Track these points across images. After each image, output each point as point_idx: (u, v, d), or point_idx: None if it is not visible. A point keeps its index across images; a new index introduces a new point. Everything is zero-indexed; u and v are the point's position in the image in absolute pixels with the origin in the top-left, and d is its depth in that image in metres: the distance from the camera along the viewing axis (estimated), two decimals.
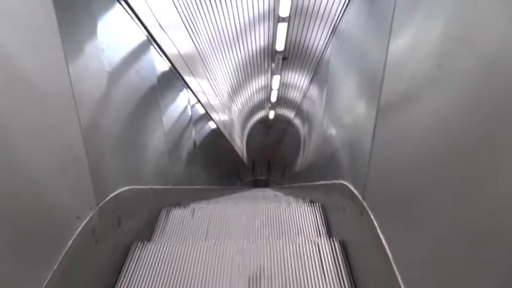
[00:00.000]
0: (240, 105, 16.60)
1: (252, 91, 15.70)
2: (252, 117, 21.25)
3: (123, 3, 3.31)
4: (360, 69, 3.01)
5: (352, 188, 2.51)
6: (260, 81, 14.67)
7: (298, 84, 13.46)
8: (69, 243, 1.84)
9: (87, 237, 2.04)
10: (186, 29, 7.13)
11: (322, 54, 6.13)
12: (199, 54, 8.52)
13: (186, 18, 7.00)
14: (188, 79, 6.59)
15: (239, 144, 19.41)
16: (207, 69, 9.48)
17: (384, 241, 1.83)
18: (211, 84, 10.19)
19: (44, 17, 1.90)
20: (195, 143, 6.86)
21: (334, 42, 4.69)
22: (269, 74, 13.70)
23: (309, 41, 9.64)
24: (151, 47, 4.28)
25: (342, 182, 2.80)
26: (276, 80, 14.01)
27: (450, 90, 1.35)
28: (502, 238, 0.98)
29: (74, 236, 1.89)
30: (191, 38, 7.60)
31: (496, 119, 1.05)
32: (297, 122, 11.94)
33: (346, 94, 3.44)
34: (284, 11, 8.33)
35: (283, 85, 14.91)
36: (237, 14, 8.43)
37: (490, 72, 1.12)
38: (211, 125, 9.75)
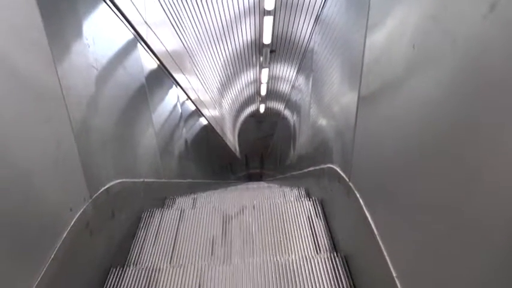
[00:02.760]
0: (230, 100, 16.63)
1: (241, 85, 15.75)
2: (243, 112, 21.31)
3: (108, 0, 3.34)
4: (341, 55, 3.07)
5: (339, 170, 2.57)
6: (249, 75, 14.71)
7: (286, 76, 13.52)
8: (64, 235, 1.89)
9: (82, 228, 2.09)
10: (172, 25, 7.15)
11: (307, 44, 6.18)
12: (187, 51, 8.54)
13: (172, 15, 7.01)
14: (177, 76, 6.62)
15: (231, 139, 19.45)
16: (195, 65, 9.50)
17: (369, 218, 1.90)
18: (200, 80, 10.22)
19: (28, 13, 1.94)
20: (186, 138, 6.91)
21: (317, 30, 4.75)
22: (258, 67, 13.75)
23: (295, 32, 9.69)
24: (138, 44, 4.31)
25: (330, 165, 2.87)
26: (265, 73, 14.06)
27: (425, 71, 1.40)
28: (477, 216, 1.03)
29: (69, 228, 1.94)
30: (178, 35, 7.62)
31: (471, 99, 1.10)
32: (288, 113, 12.01)
33: (330, 81, 3.49)
34: (269, 3, 8.37)
35: (272, 78, 14.97)
36: (223, 9, 8.45)
37: (462, 52, 1.17)
38: (202, 120, 9.80)
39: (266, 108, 21.14)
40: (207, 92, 11.35)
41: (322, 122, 3.89)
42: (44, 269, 1.68)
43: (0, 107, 1.56)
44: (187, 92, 7.67)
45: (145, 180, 3.57)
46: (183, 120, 6.90)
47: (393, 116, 1.70)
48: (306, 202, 3.38)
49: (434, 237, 1.25)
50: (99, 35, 3.04)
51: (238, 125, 22.55)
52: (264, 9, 8.67)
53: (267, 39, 10.49)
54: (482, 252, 1.01)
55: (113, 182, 2.66)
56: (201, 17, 8.34)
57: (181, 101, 6.93)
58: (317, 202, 3.34)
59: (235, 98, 17.15)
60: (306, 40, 8.79)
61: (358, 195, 2.10)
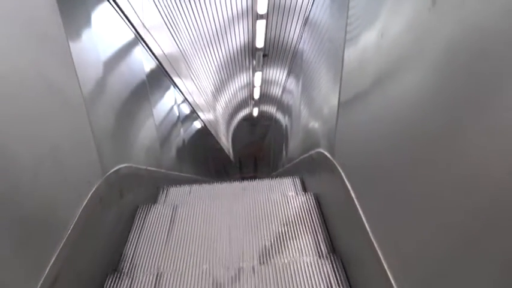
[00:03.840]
0: (224, 104, 16.87)
1: (235, 89, 15.99)
2: (237, 116, 21.51)
3: (111, 0, 3.62)
4: (326, 60, 3.42)
5: (325, 152, 2.89)
6: (242, 79, 14.95)
7: (279, 80, 13.77)
8: (84, 203, 2.18)
9: (97, 201, 2.38)
10: (168, 29, 7.42)
11: (298, 45, 6.51)
12: (182, 54, 8.80)
13: (168, 19, 7.29)
14: (174, 78, 6.91)
15: (225, 142, 19.71)
16: (190, 69, 9.77)
17: (350, 188, 2.20)
18: (195, 84, 10.48)
19: (49, 10, 2.23)
20: (183, 139, 7.19)
21: (306, 30, 5.08)
22: (251, 71, 13.98)
23: (288, 36, 9.96)
24: (139, 45, 4.60)
25: (318, 150, 3.19)
26: (258, 77, 14.28)
27: (390, 55, 1.71)
28: (441, 182, 1.24)
29: (87, 198, 2.24)
30: (173, 38, 7.88)
31: (430, 79, 1.37)
32: (280, 116, 12.34)
33: (318, 82, 3.82)
34: (262, 8, 8.58)
35: (265, 82, 15.22)
36: (217, 13, 8.71)
37: (419, 41, 1.46)
38: (198, 123, 10.07)
39: (259, 112, 21.35)
40: (201, 96, 11.61)
41: (312, 117, 4.21)
42: (71, 227, 1.97)
43: (36, 101, 1.86)
44: (183, 94, 7.94)
45: (148, 168, 3.87)
46: (181, 120, 7.18)
47: (365, 107, 2.03)
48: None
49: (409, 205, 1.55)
50: (106, 34, 3.33)
51: (231, 128, 22.77)
52: (257, 13, 8.89)
53: (259, 43, 10.70)
54: (450, 213, 1.18)
55: (121, 165, 2.96)
56: (196, 21, 8.60)
57: (178, 102, 7.21)
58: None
59: (229, 102, 17.39)
60: (297, 42, 9.08)
61: (340, 171, 2.41)
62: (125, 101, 3.60)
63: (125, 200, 3.02)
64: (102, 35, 3.15)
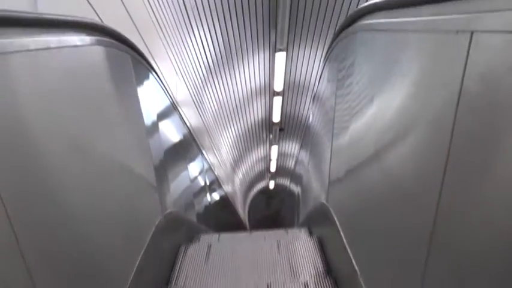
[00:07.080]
0: (241, 176, 17.40)
1: (252, 162, 16.56)
2: (253, 188, 21.97)
3: (154, 73, 4.50)
4: (323, 119, 4.35)
5: (323, 200, 3.73)
6: (259, 152, 15.57)
7: (294, 153, 14.35)
8: (152, 231, 2.92)
9: (159, 231, 3.12)
10: (195, 104, 8.26)
11: (308, 119, 7.43)
12: (206, 128, 9.61)
13: (195, 95, 8.15)
14: (201, 148, 7.76)
15: (242, 214, 20.11)
16: (212, 141, 10.54)
17: (335, 218, 3.00)
18: (216, 156, 11.19)
19: (131, 88, 3.07)
20: (210, 205, 7.97)
21: (312, 106, 6.06)
22: (267, 144, 14.63)
23: (302, 111, 10.74)
24: (177, 115, 5.48)
25: (319, 201, 4.03)
26: (274, 150, 14.89)
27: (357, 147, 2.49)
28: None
29: (153, 228, 2.97)
30: (199, 113, 8.71)
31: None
32: (293, 187, 12.97)
33: (319, 150, 4.79)
34: (278, 85, 9.52)
35: (281, 155, 15.80)
36: (237, 90, 9.55)
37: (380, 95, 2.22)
38: (219, 192, 10.75)
39: (276, 185, 21.66)
40: (221, 168, 12.26)
41: (315, 181, 5.08)
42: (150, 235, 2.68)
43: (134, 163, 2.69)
44: (208, 163, 8.73)
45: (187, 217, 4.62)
46: (207, 187, 7.98)
47: (348, 165, 2.85)
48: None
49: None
50: (153, 97, 4.19)
51: (248, 201, 23.03)
52: (274, 90, 9.73)
53: (276, 117, 11.49)
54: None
55: (171, 210, 3.72)
56: (218, 97, 9.42)
57: (204, 170, 8.03)
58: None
59: (246, 174, 17.90)
60: (307, 119, 9.82)
61: (331, 211, 3.26)
62: (172, 162, 4.41)
63: (174, 236, 3.76)
64: (157, 110, 4.01)
